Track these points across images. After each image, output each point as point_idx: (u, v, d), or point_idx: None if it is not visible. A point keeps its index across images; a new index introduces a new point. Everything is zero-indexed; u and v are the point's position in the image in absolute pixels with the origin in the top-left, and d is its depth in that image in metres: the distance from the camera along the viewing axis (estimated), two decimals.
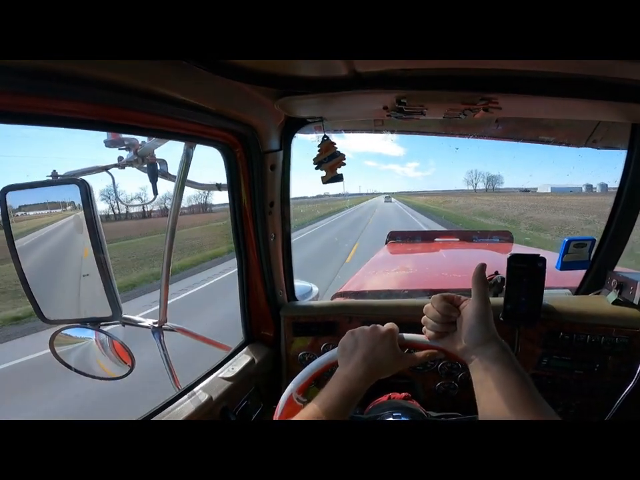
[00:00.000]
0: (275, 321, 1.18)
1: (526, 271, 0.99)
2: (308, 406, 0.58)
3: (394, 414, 0.82)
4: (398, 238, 2.97)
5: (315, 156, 0.94)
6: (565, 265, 1.14)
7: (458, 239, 2.87)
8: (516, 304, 1.00)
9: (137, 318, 1.03)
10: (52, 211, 0.97)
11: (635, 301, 0.98)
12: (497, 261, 1.03)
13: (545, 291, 1.03)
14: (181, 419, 0.80)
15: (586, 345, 1.01)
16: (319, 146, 0.94)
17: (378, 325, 0.66)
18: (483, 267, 0.58)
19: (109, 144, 0.83)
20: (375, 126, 1.16)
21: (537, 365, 1.05)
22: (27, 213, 0.98)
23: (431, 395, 1.12)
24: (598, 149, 1.20)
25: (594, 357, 1.02)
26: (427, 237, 3.04)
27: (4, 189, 0.84)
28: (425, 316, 0.63)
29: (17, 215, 0.98)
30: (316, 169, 0.94)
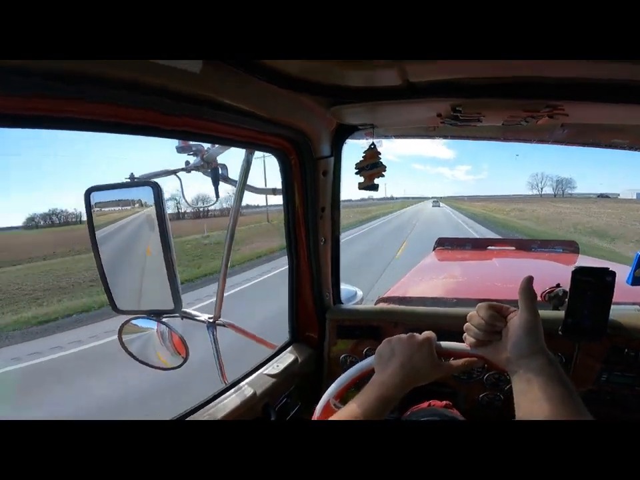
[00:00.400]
0: (320, 322, 1.21)
1: (592, 284, 0.92)
2: (344, 408, 0.60)
3: (430, 420, 0.81)
4: (447, 244, 2.87)
5: (359, 161, 0.96)
6: (636, 280, 1.06)
7: (514, 247, 2.70)
8: (579, 318, 0.94)
9: (194, 312, 1.11)
10: (123, 208, 1.08)
11: None
12: (559, 273, 0.97)
13: (613, 307, 0.96)
14: (224, 414, 0.85)
15: None
16: (364, 152, 0.95)
17: (415, 334, 0.67)
18: (530, 280, 0.57)
19: (180, 150, 0.91)
20: (427, 131, 1.14)
21: (595, 381, 1.00)
22: (104, 210, 1.09)
23: (474, 405, 1.08)
24: None
25: None
26: (478, 245, 2.89)
27: (89, 189, 0.93)
28: (468, 323, 0.62)
29: (98, 210, 1.11)
30: (356, 173, 0.96)
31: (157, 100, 0.55)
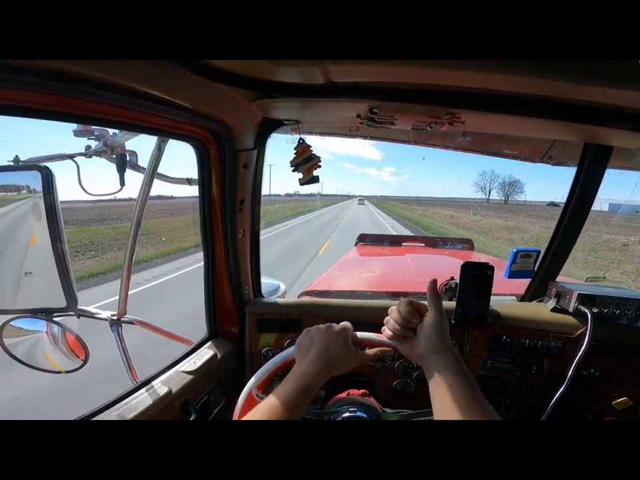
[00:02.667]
0: (240, 316, 1.19)
1: (476, 277, 1.06)
2: (265, 400, 0.61)
3: (350, 409, 0.86)
4: (367, 240, 3.05)
5: (292, 158, 0.96)
6: (512, 274, 1.23)
7: (424, 244, 2.99)
8: (466, 308, 1.07)
9: (93, 310, 1.00)
10: (5, 194, 0.92)
11: (570, 309, 1.08)
12: (455, 267, 1.09)
13: (494, 297, 1.11)
14: (135, 413, 0.79)
15: (525, 348, 1.10)
16: (295, 149, 0.96)
17: (333, 324, 0.70)
18: (434, 282, 0.64)
19: (78, 134, 0.81)
20: (350, 131, 1.19)
21: (482, 366, 1.13)
22: None
23: (388, 392, 1.16)
24: (551, 165, 1.30)
25: (532, 360, 1.10)
26: (394, 241, 3.14)
27: None
28: (388, 317, 0.67)
29: None
30: (293, 171, 0.96)
31: (60, 83, 0.50)
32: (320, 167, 0.98)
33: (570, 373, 0.99)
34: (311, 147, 0.97)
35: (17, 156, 0.79)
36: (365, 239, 3.07)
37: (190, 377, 0.96)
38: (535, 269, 1.24)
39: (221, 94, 0.76)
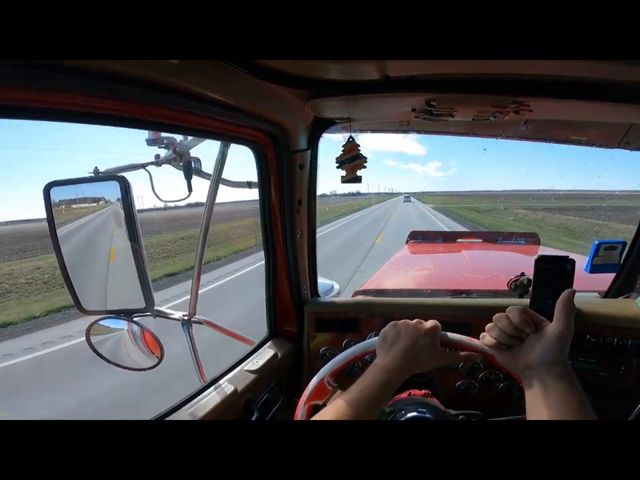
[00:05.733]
0: (299, 316, 1.21)
1: (553, 272, 0.97)
2: (346, 393, 0.60)
3: (419, 409, 0.83)
4: (419, 238, 2.96)
5: (339, 155, 0.96)
6: (594, 268, 1.13)
7: (481, 240, 2.83)
8: (542, 305, 0.99)
9: (168, 310, 1.07)
10: (90, 205, 1.03)
11: None
12: (523, 263, 1.02)
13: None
14: (205, 412, 0.83)
15: (612, 348, 1.00)
16: (343, 146, 0.95)
17: (422, 320, 0.68)
18: (572, 293, 0.58)
19: (150, 142, 0.87)
20: (401, 126, 1.16)
21: None
22: (69, 207, 1.03)
23: (450, 393, 1.11)
24: (631, 150, 1.17)
25: (620, 360, 1.00)
26: (448, 238, 3.01)
27: (48, 184, 0.87)
28: (492, 323, 0.61)
29: (60, 208, 1.04)
30: (337, 167, 0.96)
31: (130, 89, 0.53)
32: (365, 167, 0.97)
33: None
34: (359, 146, 0.96)
35: (96, 167, 0.87)
36: (416, 237, 2.97)
37: (253, 375, 1.00)
38: (621, 262, 1.12)
39: (275, 95, 0.78)
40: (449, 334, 0.68)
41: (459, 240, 2.86)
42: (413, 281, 1.96)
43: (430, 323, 0.67)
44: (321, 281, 1.44)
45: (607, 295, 1.20)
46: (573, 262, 0.96)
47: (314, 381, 0.73)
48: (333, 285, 1.64)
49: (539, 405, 0.52)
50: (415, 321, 0.67)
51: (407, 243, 2.92)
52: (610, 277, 1.19)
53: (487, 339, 0.61)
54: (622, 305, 1.08)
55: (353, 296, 1.73)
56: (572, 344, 1.00)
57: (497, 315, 0.61)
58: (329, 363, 0.73)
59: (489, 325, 0.62)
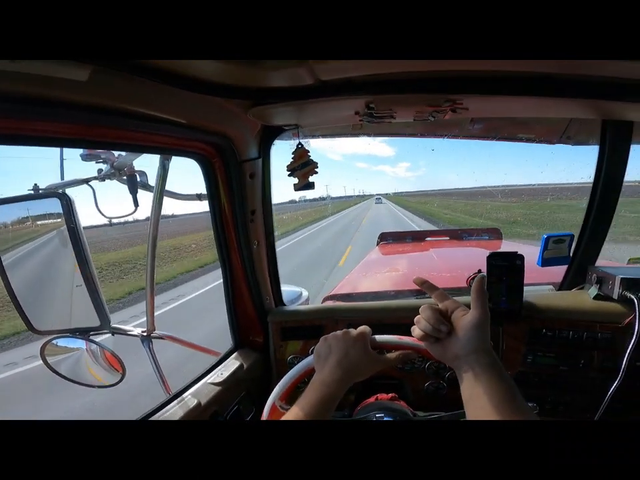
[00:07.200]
0: (263, 326, 1.19)
1: (505, 269, 1.00)
2: (288, 413, 0.60)
3: (377, 415, 0.83)
4: (389, 239, 2.99)
5: (289, 163, 0.95)
6: (546, 262, 1.15)
7: (448, 238, 2.89)
8: (497, 302, 1.01)
9: (125, 327, 1.05)
10: (36, 223, 0.99)
11: (614, 296, 0.99)
12: (484, 259, 1.04)
13: (528, 288, 1.04)
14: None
15: (569, 341, 1.02)
16: (292, 153, 0.95)
17: (350, 329, 0.68)
18: (482, 279, 0.59)
19: (85, 157, 0.84)
20: (354, 130, 1.17)
21: (522, 363, 1.06)
22: (7, 228, 0.99)
23: (420, 395, 1.12)
24: (571, 145, 1.22)
25: (578, 353, 1.02)
26: (417, 237, 3.06)
27: None
28: (419, 315, 0.61)
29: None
30: (289, 175, 0.96)
31: (60, 111, 0.52)
32: (316, 172, 0.96)
33: (623, 365, 0.91)
34: (309, 152, 0.96)
35: (35, 184, 0.84)
36: (386, 238, 3.01)
37: (218, 388, 0.98)
38: (571, 255, 1.16)
39: (215, 107, 0.76)
40: (377, 336, 0.68)
41: (427, 239, 2.91)
42: (382, 283, 1.97)
43: (358, 330, 0.67)
44: (288, 288, 1.43)
45: (561, 287, 1.23)
46: (522, 257, 0.99)
47: (266, 408, 0.72)
48: (302, 292, 1.62)
49: (471, 395, 0.52)
50: (343, 331, 0.67)
51: (377, 244, 2.95)
52: (563, 268, 1.22)
53: (415, 332, 0.62)
54: (574, 297, 1.11)
55: (323, 301, 1.72)
56: (529, 339, 1.03)
57: (422, 306, 0.61)
58: (276, 387, 0.72)
59: (416, 317, 0.62)
